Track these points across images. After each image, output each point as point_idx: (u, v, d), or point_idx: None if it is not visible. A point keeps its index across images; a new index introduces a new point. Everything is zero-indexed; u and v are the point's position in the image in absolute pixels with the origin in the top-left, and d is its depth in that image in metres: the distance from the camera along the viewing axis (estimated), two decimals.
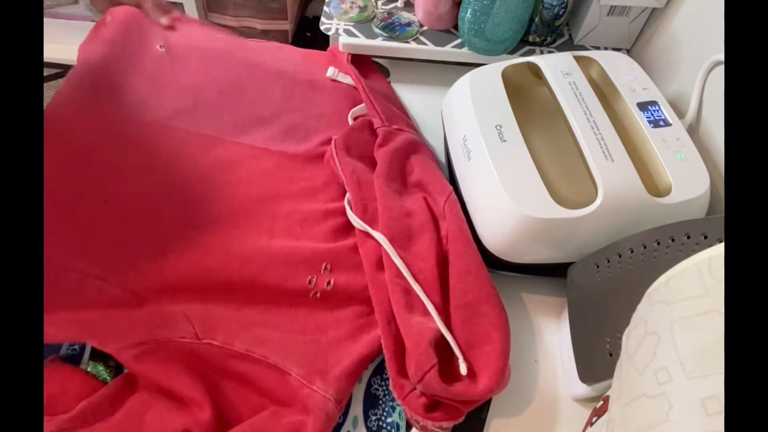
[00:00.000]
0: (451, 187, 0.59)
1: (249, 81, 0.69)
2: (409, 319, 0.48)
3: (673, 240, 0.42)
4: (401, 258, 0.52)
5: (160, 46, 0.68)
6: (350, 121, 0.68)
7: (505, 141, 0.53)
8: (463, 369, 0.45)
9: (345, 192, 0.60)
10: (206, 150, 0.61)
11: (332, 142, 0.63)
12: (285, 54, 0.75)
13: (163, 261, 0.52)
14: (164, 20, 0.69)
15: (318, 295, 0.52)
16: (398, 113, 0.70)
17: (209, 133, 0.63)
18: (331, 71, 0.74)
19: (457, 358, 0.46)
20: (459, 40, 0.74)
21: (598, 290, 0.48)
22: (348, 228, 0.58)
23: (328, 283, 0.53)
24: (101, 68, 0.64)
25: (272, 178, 0.60)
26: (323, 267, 0.53)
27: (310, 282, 0.52)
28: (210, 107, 0.65)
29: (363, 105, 0.69)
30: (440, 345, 0.47)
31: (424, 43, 0.74)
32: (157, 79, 0.66)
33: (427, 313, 0.49)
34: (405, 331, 0.48)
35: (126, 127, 0.61)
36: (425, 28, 0.76)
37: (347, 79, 0.73)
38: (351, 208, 0.58)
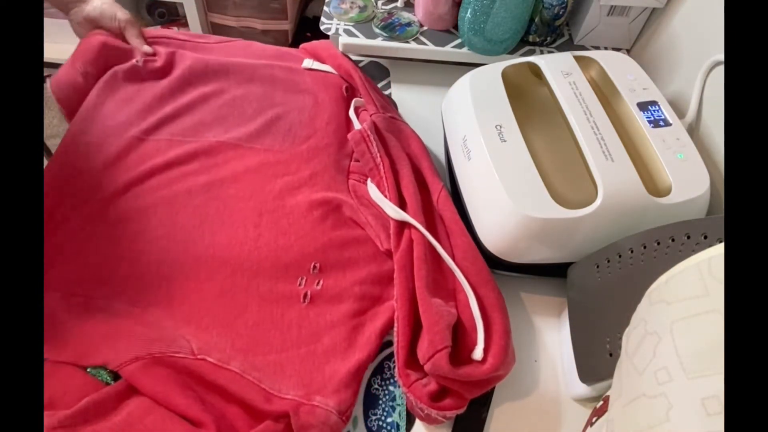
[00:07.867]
0: (442, 183, 0.60)
1: (225, 82, 0.69)
2: (429, 298, 0.49)
3: (673, 240, 0.42)
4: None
5: (137, 60, 0.69)
6: (352, 114, 0.67)
7: (505, 141, 0.53)
8: (478, 354, 0.46)
9: (331, 183, 0.61)
10: (191, 156, 0.61)
11: (363, 129, 0.62)
12: (255, 51, 0.75)
13: (158, 274, 0.53)
14: (146, 48, 0.70)
15: (309, 295, 0.53)
16: (387, 103, 0.71)
17: (191, 138, 0.63)
18: (307, 62, 0.73)
19: (465, 346, 0.47)
20: (459, 40, 0.74)
21: (598, 290, 0.48)
22: (333, 217, 0.58)
23: (318, 282, 0.53)
24: (82, 104, 0.65)
25: (257, 175, 0.61)
26: (312, 267, 0.54)
27: (300, 284, 0.53)
28: (190, 113, 0.65)
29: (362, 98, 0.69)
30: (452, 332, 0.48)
31: (424, 43, 0.74)
32: (133, 96, 0.66)
33: (449, 299, 0.51)
34: (424, 309, 0.49)
35: (110, 145, 0.62)
36: (425, 28, 0.76)
37: (324, 67, 0.73)
38: (380, 192, 0.58)
